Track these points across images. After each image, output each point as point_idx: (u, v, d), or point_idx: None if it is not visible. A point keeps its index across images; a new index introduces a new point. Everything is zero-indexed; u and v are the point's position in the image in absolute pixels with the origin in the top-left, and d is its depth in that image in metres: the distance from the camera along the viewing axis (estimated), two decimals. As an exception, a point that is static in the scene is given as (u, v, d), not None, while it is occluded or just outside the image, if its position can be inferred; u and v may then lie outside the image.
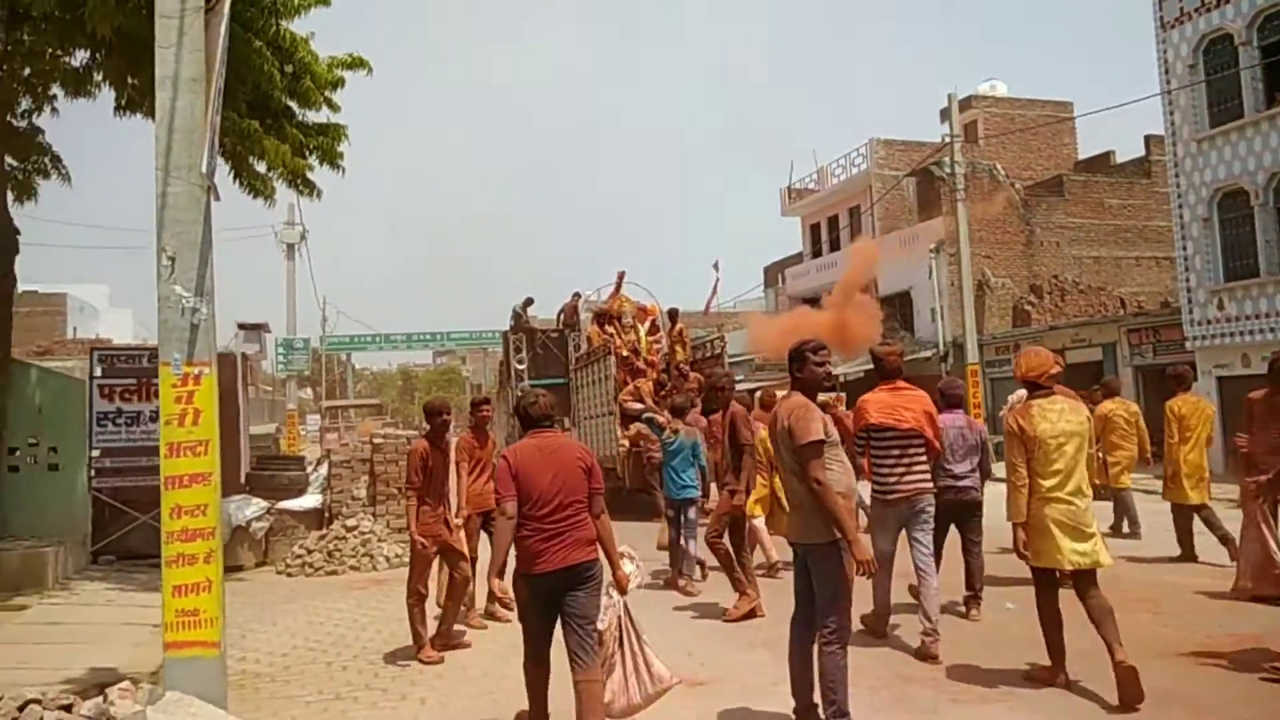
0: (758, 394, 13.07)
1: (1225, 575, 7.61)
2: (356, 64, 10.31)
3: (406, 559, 9.97)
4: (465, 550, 6.77)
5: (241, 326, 21.20)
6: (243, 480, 11.87)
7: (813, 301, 29.48)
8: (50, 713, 4.45)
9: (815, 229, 33.47)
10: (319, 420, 42.07)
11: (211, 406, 4.91)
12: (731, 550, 7.43)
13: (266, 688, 5.76)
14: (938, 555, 6.42)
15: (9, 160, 10.47)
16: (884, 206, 28.31)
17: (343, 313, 74.97)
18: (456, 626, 6.78)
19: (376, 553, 10.00)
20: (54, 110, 10.70)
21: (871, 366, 6.63)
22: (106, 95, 9.88)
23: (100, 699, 4.62)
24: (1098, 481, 7.13)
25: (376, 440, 10.95)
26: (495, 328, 30.84)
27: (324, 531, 10.33)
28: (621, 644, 4.50)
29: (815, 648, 4.33)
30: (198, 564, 4.79)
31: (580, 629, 4.27)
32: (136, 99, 9.55)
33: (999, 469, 6.29)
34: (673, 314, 16.97)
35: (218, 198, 5.18)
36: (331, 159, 10.43)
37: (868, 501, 6.54)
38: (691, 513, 8.48)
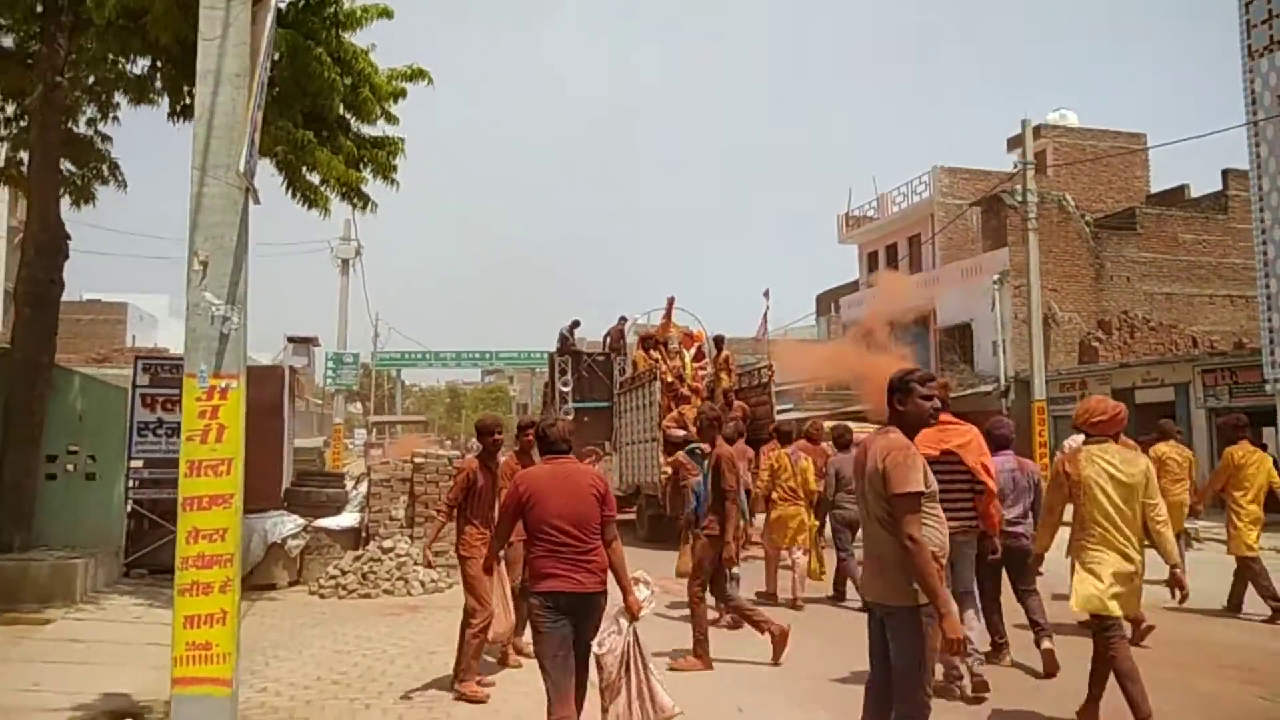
0: (806, 425, 12.66)
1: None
2: (417, 75, 10.15)
3: (442, 585, 9.75)
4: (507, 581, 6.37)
5: (291, 340, 21.18)
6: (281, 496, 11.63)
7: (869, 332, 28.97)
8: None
9: (873, 257, 32.81)
10: (365, 435, 42.21)
11: (238, 423, 4.55)
12: (723, 599, 7.15)
13: (285, 725, 5.38)
14: (996, 602, 6.45)
15: (69, 166, 10.50)
16: (946, 236, 27.59)
17: (394, 329, 75.20)
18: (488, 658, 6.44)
19: (411, 577, 9.64)
20: (115, 119, 10.75)
21: None
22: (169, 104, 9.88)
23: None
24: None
25: (418, 460, 10.61)
26: (543, 348, 30.70)
27: (360, 552, 10.00)
28: (628, 670, 4.49)
29: None
30: (213, 593, 4.42)
31: (584, 662, 4.41)
32: (192, 106, 9.45)
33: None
34: (719, 340, 16.80)
35: (257, 201, 4.87)
36: (386, 173, 10.25)
37: None
38: None
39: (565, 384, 17.85)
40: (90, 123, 10.72)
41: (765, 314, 20.51)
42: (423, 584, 9.61)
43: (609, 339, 18.84)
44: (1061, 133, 28.71)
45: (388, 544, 9.94)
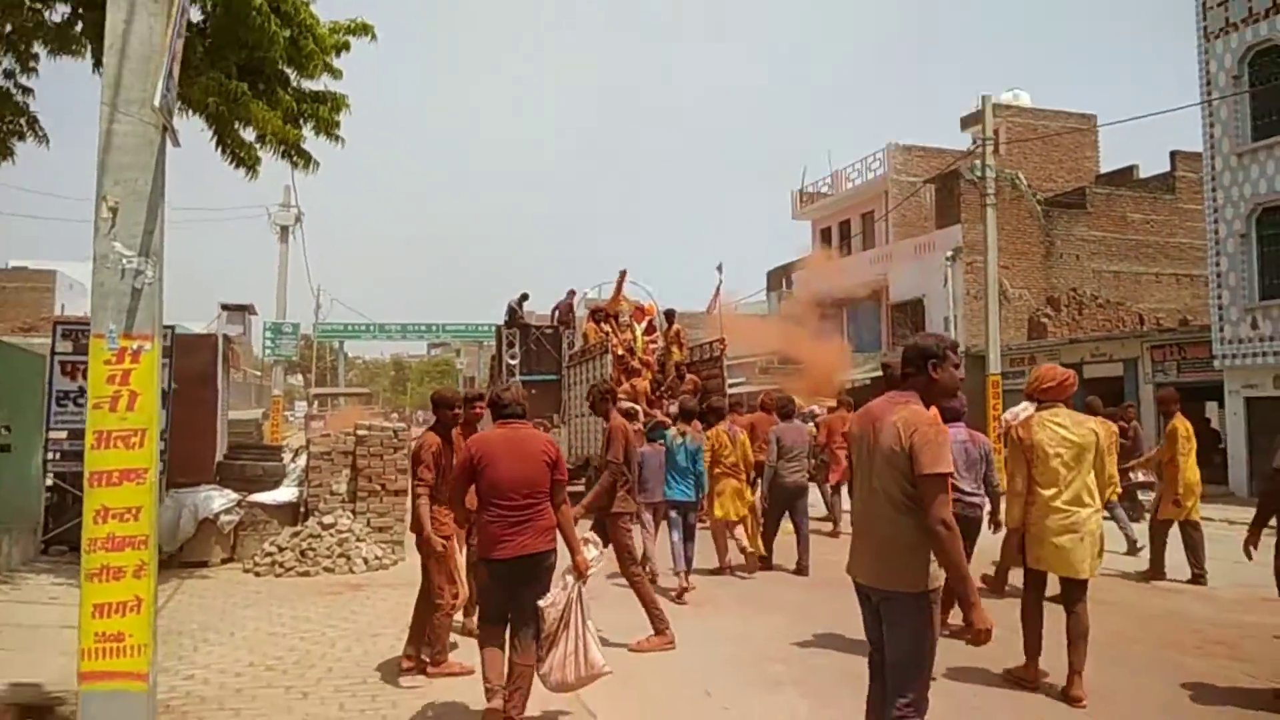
0: (760, 397, 12.53)
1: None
2: (360, 30, 9.58)
3: (385, 562, 9.32)
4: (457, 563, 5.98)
5: (225, 307, 20.24)
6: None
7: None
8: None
9: (826, 233, 32.71)
10: (306, 408, 41.19)
11: (152, 389, 4.08)
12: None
13: (211, 718, 4.94)
14: None
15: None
16: (900, 213, 27.56)
17: (336, 300, 73.44)
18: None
19: (354, 554, 9.17)
20: (34, 70, 9.97)
21: (880, 373, 6.50)
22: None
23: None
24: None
25: (360, 432, 10.10)
26: (490, 321, 30.18)
27: (298, 528, 9.50)
28: (568, 625, 4.63)
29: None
30: (125, 578, 3.98)
31: (525, 620, 4.53)
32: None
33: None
34: (669, 314, 16.73)
35: (176, 142, 4.36)
36: (329, 129, 9.65)
37: None
38: (691, 517, 8.49)
39: (513, 357, 17.67)
40: (8, 74, 9.95)
41: (718, 288, 20.28)
42: (365, 561, 9.17)
43: (557, 312, 18.74)
44: (1015, 112, 28.78)
45: (328, 519, 9.45)
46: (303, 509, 9.96)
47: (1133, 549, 9.85)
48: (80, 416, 9.26)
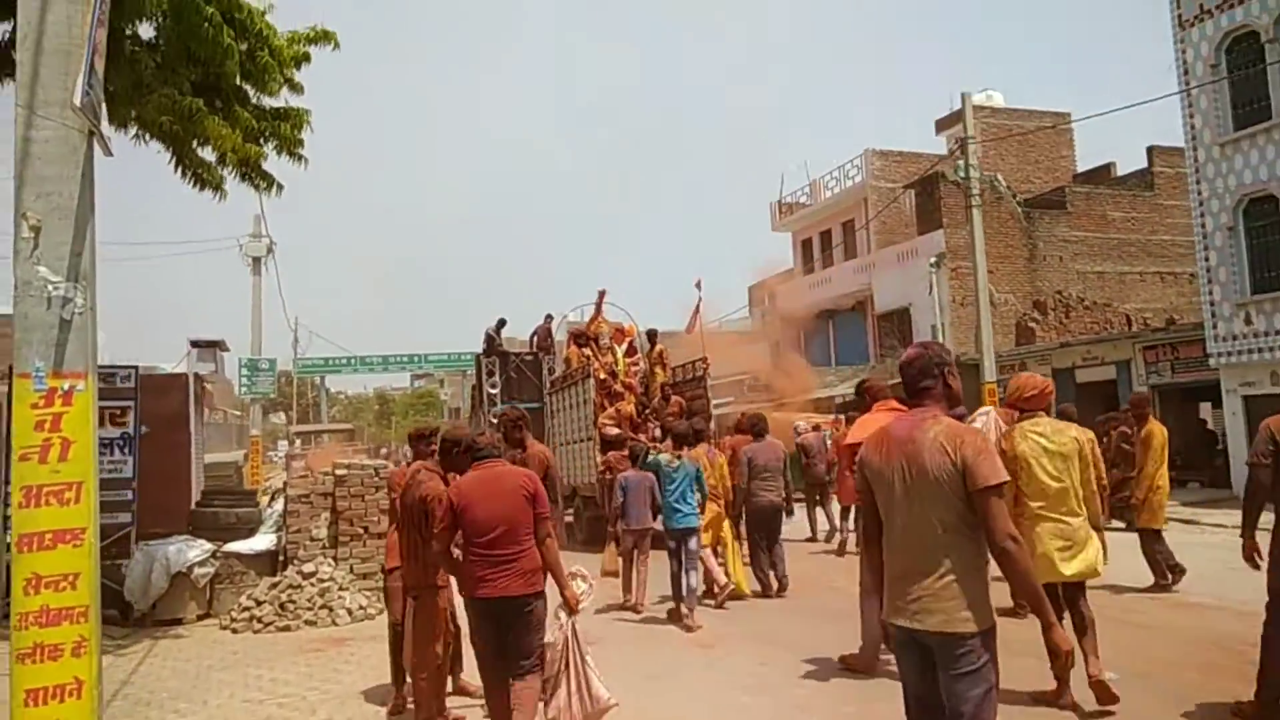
0: (739, 418, 12.07)
1: None
2: (321, 37, 9.08)
3: (371, 612, 8.63)
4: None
5: (194, 344, 19.49)
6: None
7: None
8: None
9: (807, 244, 32.40)
10: (288, 446, 40.31)
11: (88, 434, 3.52)
12: None
13: (177, 808, 4.33)
14: None
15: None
16: (880, 220, 27.26)
17: (315, 334, 72.37)
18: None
19: (336, 604, 8.54)
20: None
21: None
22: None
23: None
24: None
25: (339, 472, 9.49)
26: (473, 349, 29.59)
27: (277, 579, 8.86)
28: (568, 665, 4.63)
29: None
30: (63, 659, 3.39)
31: (518, 665, 4.43)
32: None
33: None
34: (651, 335, 16.32)
35: (106, 150, 3.83)
36: (291, 148, 9.13)
37: None
38: (692, 543, 8.09)
39: (493, 385, 17.13)
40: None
41: (698, 306, 19.61)
42: (349, 611, 8.54)
43: (536, 338, 18.25)
44: (988, 113, 28.55)
45: (308, 568, 8.82)
46: (281, 557, 9.34)
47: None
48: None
